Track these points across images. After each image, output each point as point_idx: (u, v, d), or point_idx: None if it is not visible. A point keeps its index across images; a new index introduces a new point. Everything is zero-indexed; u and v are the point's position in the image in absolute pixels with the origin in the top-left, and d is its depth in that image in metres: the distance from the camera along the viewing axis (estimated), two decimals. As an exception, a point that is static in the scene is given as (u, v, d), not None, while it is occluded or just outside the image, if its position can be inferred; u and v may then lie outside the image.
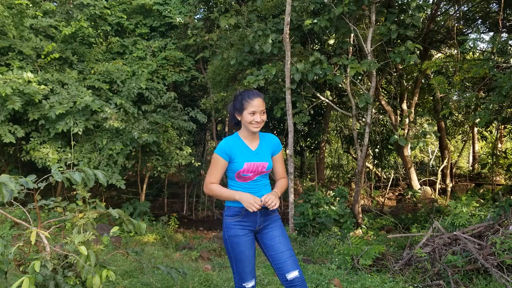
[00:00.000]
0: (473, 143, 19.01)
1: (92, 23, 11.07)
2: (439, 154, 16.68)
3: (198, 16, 13.76)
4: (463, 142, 20.16)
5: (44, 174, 2.71)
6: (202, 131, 18.96)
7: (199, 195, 15.35)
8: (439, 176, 14.42)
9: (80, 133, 8.94)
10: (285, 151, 11.38)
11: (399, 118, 13.01)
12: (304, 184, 16.90)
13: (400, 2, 9.42)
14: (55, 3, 11.99)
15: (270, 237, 2.89)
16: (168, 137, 10.88)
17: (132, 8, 12.45)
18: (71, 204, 2.88)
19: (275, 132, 16.77)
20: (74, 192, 11.00)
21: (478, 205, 8.15)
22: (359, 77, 10.34)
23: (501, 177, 15.58)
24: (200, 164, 13.38)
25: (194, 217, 14.71)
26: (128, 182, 11.53)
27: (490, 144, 16.27)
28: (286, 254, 2.84)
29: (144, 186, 11.87)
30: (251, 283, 2.88)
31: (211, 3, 13.48)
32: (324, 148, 15.89)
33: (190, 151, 11.32)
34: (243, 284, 2.86)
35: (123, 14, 12.13)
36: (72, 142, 8.62)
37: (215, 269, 5.52)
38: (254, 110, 2.75)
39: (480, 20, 12.33)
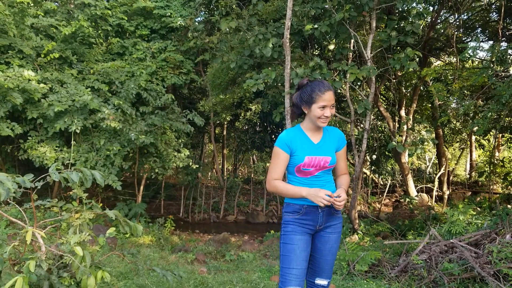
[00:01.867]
0: (471, 151, 19.07)
1: (93, 23, 11.08)
2: (437, 161, 16.73)
3: (199, 18, 13.78)
4: (461, 150, 20.21)
5: (41, 173, 2.70)
6: (200, 133, 18.98)
7: (196, 198, 15.34)
8: (436, 183, 14.42)
9: (78, 131, 8.93)
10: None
11: (397, 125, 13.03)
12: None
13: (400, 9, 9.45)
14: (56, 3, 12.00)
15: (324, 241, 2.72)
16: (166, 139, 10.87)
17: (133, 10, 12.47)
18: (67, 204, 2.86)
19: (273, 136, 16.77)
20: (70, 192, 10.98)
21: (475, 213, 8.15)
22: (359, 83, 10.36)
23: (498, 185, 15.60)
24: (197, 166, 13.38)
25: (190, 219, 14.69)
26: (125, 183, 11.52)
27: (488, 153, 16.30)
28: (329, 262, 2.74)
29: (141, 188, 11.84)
30: None
31: (212, 6, 13.50)
32: (322, 153, 15.85)
33: (188, 153, 11.31)
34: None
35: (124, 15, 12.15)
36: (72, 142, 8.61)
37: (210, 272, 5.51)
38: (325, 105, 2.55)
39: (479, 28, 12.39)
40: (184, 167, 11.26)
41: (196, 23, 12.77)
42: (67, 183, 2.61)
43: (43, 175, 2.60)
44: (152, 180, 13.30)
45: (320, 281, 2.76)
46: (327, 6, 8.44)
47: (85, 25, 9.98)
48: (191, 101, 16.49)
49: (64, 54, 10.13)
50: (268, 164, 19.07)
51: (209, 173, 19.48)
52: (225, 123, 18.26)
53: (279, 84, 9.89)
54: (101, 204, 10.41)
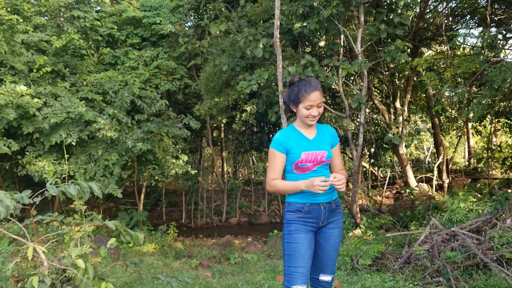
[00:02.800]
0: (468, 138, 19.12)
1: (83, 35, 11.08)
2: (435, 150, 16.76)
3: (188, 24, 13.80)
4: (458, 138, 20.27)
5: (42, 187, 2.70)
6: (198, 138, 18.97)
7: (197, 203, 15.35)
8: (436, 172, 14.46)
9: (74, 144, 8.95)
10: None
11: (392, 117, 13.06)
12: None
13: (388, 2, 9.48)
14: (45, 17, 12.01)
15: (327, 237, 2.74)
16: (164, 145, 10.88)
17: (122, 19, 12.49)
18: (68, 217, 2.87)
19: (270, 136, 16.80)
20: (72, 205, 10.98)
21: (475, 200, 8.19)
22: (351, 78, 10.39)
23: (497, 171, 15.66)
24: (197, 171, 13.38)
25: (193, 225, 14.70)
26: (125, 192, 11.52)
27: (485, 139, 16.35)
28: (332, 258, 2.77)
29: (142, 196, 11.85)
30: None
31: (200, 11, 13.53)
32: (320, 150, 15.88)
33: (186, 159, 11.33)
34: (292, 287, 2.59)
35: (114, 25, 12.16)
36: (66, 155, 8.62)
37: (215, 276, 5.52)
38: (311, 104, 2.59)
39: (468, 15, 12.43)
40: (184, 172, 11.30)
41: (186, 29, 12.79)
42: (66, 198, 2.62)
43: (41, 190, 2.61)
44: (153, 187, 13.32)
45: (324, 277, 2.78)
46: (314, 3, 8.46)
47: (75, 38, 9.99)
48: (187, 106, 16.50)
49: (56, 67, 10.14)
50: (267, 164, 19.04)
51: (209, 177, 19.50)
52: (222, 125, 18.28)
53: (273, 84, 9.92)
54: (102, 215, 10.42)
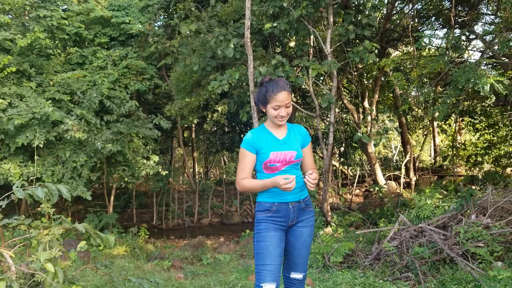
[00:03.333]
0: (434, 137, 19.67)
1: (49, 34, 10.79)
2: (402, 149, 17.16)
3: (158, 23, 13.64)
4: (424, 136, 20.83)
5: (7, 191, 2.64)
6: (169, 138, 18.79)
7: (169, 204, 15.19)
8: (403, 170, 14.82)
9: (41, 145, 8.72)
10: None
11: (361, 116, 13.30)
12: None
13: (356, 3, 9.65)
14: (9, 15, 11.63)
15: (298, 236, 2.77)
16: (134, 146, 10.73)
17: (90, 19, 12.23)
18: (36, 221, 2.81)
19: (242, 135, 16.81)
20: (39, 208, 10.69)
21: (441, 196, 8.44)
22: (321, 78, 10.51)
23: (462, 168, 16.16)
24: (168, 172, 13.25)
25: (164, 226, 14.55)
26: (94, 194, 11.31)
27: (450, 137, 16.86)
28: (303, 256, 2.80)
29: (112, 198, 11.66)
30: (270, 286, 2.60)
31: (170, 10, 13.40)
32: (291, 149, 16.00)
33: (157, 159, 11.21)
34: (260, 285, 2.60)
35: (82, 24, 11.90)
36: (34, 157, 8.40)
37: (187, 278, 5.50)
38: (279, 105, 2.63)
39: (433, 17, 12.77)
40: (154, 173, 11.18)
41: (156, 28, 12.64)
42: (33, 200, 2.57)
43: (7, 194, 2.55)
44: (123, 189, 13.11)
45: (295, 275, 2.82)
46: (284, 4, 8.53)
47: (41, 37, 9.72)
48: (157, 107, 16.31)
49: (21, 67, 9.85)
50: (238, 164, 19.01)
51: (181, 178, 19.33)
52: (193, 126, 18.15)
53: (244, 84, 9.94)
54: (71, 218, 10.20)
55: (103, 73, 11.45)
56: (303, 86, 9.96)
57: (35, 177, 8.79)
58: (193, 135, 19.23)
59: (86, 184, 9.41)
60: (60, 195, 2.58)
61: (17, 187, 2.48)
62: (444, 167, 17.68)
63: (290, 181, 2.45)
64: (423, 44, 8.79)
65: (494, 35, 8.29)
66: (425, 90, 8.95)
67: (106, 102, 10.40)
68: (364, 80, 14.39)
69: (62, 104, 9.94)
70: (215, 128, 19.97)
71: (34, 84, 9.82)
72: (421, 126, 18.99)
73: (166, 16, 13.73)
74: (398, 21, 13.10)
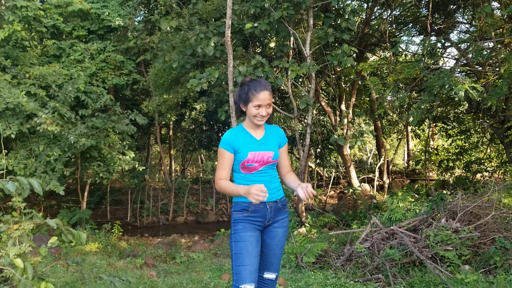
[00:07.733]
0: (408, 141, 20.07)
1: (26, 25, 10.54)
2: (377, 152, 17.43)
3: (138, 18, 13.50)
4: (398, 140, 21.24)
5: (-25, 185, 2.58)
6: (146, 135, 18.63)
7: (144, 201, 15.06)
8: (377, 173, 15.05)
9: (13, 137, 8.52)
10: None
11: (338, 119, 13.46)
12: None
13: (336, 7, 9.76)
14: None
15: (273, 236, 2.79)
16: (110, 142, 10.59)
17: (69, 12, 12.00)
18: (6, 215, 2.76)
19: (220, 134, 16.79)
20: (10, 202, 10.45)
21: (413, 200, 8.59)
22: (300, 80, 10.61)
23: (433, 172, 16.52)
24: (144, 168, 13.13)
25: (138, 223, 14.40)
26: (68, 190, 11.12)
27: (423, 142, 17.22)
28: (277, 256, 2.82)
29: (85, 194, 11.48)
30: (250, 287, 2.60)
31: (151, 6, 13.29)
32: (268, 149, 16.07)
33: (134, 155, 11.09)
34: (240, 286, 2.59)
35: (59, 17, 11.66)
36: (3, 150, 8.20)
37: (160, 276, 5.47)
38: (260, 104, 2.64)
39: (411, 24, 13.02)
40: (130, 170, 11.05)
41: (136, 23, 12.51)
42: (3, 194, 2.53)
43: (-24, 187, 2.50)
44: (97, 185, 12.92)
45: (268, 275, 2.84)
46: (266, 4, 8.57)
47: (18, 29, 9.49)
48: (134, 103, 16.13)
49: (-5, 58, 9.61)
50: (216, 163, 19.06)
51: (157, 175, 19.18)
52: (171, 123, 18.03)
53: (223, 83, 9.93)
54: (42, 213, 10.00)
55: (80, 67, 11.27)
56: (282, 87, 10.03)
57: (6, 169, 8.58)
58: (171, 133, 19.09)
59: (59, 179, 9.24)
60: (32, 189, 2.54)
61: (-12, 180, 2.43)
62: (417, 171, 18.05)
63: (263, 194, 2.39)
64: (400, 50, 8.97)
65: (468, 44, 8.50)
66: (401, 95, 9.12)
67: (81, 96, 10.23)
68: (342, 83, 14.56)
69: (37, 97, 9.74)
70: (193, 126, 19.89)
71: (9, 76, 9.58)
72: (395, 130, 19.34)
73: (146, 12, 13.60)
74: (377, 26, 13.31)
